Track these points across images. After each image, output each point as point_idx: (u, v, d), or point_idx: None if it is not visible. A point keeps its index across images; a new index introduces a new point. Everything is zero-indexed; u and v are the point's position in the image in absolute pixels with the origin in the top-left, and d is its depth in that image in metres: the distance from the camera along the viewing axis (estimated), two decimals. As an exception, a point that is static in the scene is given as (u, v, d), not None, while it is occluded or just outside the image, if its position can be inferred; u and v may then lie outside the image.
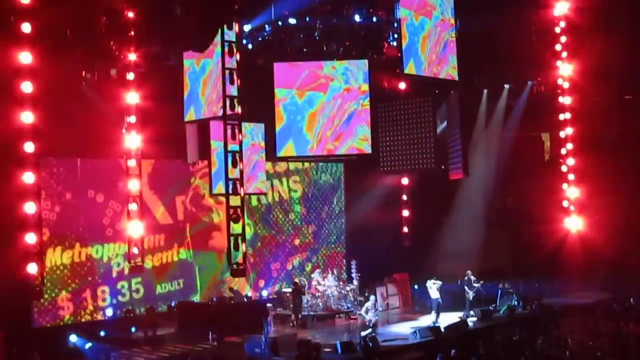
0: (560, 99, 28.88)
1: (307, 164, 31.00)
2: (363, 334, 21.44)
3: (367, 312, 22.56)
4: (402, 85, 27.06)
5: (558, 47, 28.33)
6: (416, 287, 28.58)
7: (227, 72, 19.64)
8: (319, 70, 24.96)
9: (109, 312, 24.82)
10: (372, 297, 23.32)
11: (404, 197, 31.25)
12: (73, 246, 24.54)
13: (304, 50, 25.50)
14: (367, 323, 22.31)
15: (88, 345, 21.25)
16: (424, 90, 26.71)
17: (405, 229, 31.29)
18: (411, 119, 27.07)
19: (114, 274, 25.39)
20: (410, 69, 21.93)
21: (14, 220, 19.05)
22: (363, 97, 24.97)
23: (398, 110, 27.61)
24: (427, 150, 26.67)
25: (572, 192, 29.28)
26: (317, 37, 25.47)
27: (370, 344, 20.54)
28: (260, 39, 25.02)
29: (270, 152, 25.58)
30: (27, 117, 18.97)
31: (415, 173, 28.58)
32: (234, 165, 19.77)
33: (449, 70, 23.04)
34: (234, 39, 19.74)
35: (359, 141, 25.17)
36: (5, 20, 18.82)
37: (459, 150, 25.80)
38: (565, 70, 28.44)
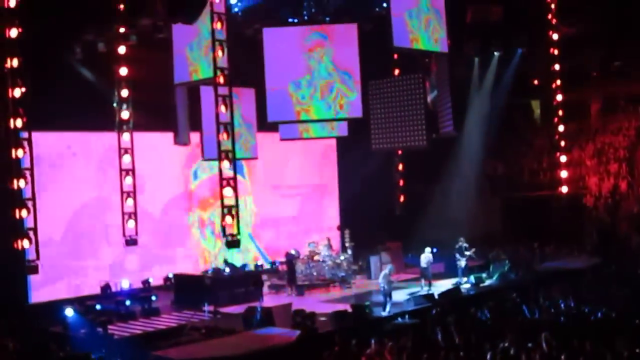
0: (550, 66, 28.89)
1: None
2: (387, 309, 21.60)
3: (384, 280, 22.11)
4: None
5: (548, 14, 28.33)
6: (410, 255, 28.69)
7: (216, 43, 19.67)
8: (308, 34, 24.71)
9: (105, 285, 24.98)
10: (389, 266, 23.17)
11: (399, 167, 31.42)
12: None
13: (292, 18, 25.38)
14: (381, 291, 22.20)
15: (84, 318, 21.34)
16: (413, 63, 26.73)
17: (401, 198, 31.48)
18: (402, 96, 27.13)
19: (109, 248, 25.50)
20: (399, 41, 21.86)
21: (7, 195, 19.06)
22: (352, 63, 24.74)
23: (388, 87, 27.68)
24: (418, 127, 26.75)
25: (562, 158, 29.38)
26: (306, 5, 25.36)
27: (365, 312, 20.75)
28: (248, 5, 24.88)
29: (261, 118, 25.47)
30: (15, 92, 18.92)
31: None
32: (226, 136, 19.84)
33: (438, 42, 22.95)
34: (223, 10, 19.75)
35: (349, 107, 25.00)
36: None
37: (449, 109, 25.82)
38: (555, 37, 28.43)
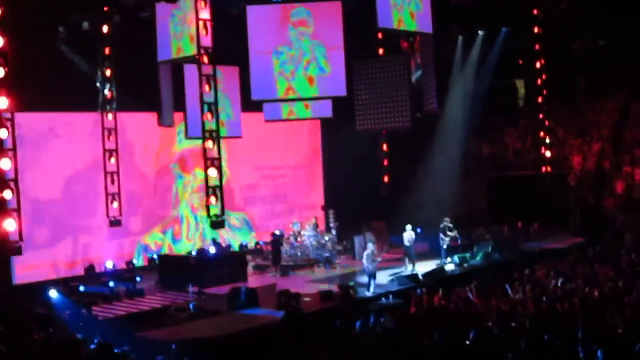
0: (535, 45, 28.89)
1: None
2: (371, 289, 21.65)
3: (367, 260, 22.14)
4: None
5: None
6: (393, 238, 28.72)
7: (200, 22, 19.59)
8: (292, 11, 24.46)
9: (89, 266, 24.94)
10: (370, 245, 23.19)
11: (384, 147, 31.43)
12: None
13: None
14: (365, 271, 22.29)
15: (68, 300, 21.29)
16: (397, 43, 26.67)
17: (386, 178, 31.51)
18: (386, 77, 27.14)
19: (93, 228, 25.47)
20: (383, 22, 21.77)
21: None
22: (336, 40, 24.57)
23: (373, 69, 27.67)
24: (403, 109, 26.76)
25: (545, 137, 29.44)
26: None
27: (349, 293, 20.80)
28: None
29: (245, 96, 25.36)
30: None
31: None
32: (210, 116, 19.80)
33: (423, 22, 22.87)
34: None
35: (334, 85, 24.84)
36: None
37: (434, 87, 25.83)
38: (539, 16, 28.43)
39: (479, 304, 16.98)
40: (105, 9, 22.46)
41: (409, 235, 24.75)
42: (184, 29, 21.21)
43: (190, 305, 20.09)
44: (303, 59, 24.35)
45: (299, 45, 24.38)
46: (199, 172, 25.37)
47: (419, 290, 19.57)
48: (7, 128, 19.02)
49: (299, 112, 26.97)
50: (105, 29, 23.10)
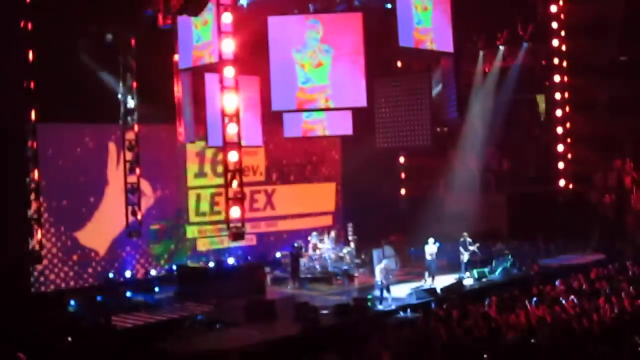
0: (555, 61, 28.80)
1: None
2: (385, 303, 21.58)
3: (381, 274, 22.19)
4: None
5: (553, 8, 28.27)
6: (413, 250, 28.68)
7: (222, 34, 19.73)
8: (312, 22, 24.51)
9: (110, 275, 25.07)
10: (384, 261, 23.24)
11: (403, 161, 31.44)
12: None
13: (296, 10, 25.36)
14: (377, 285, 22.33)
15: (86, 309, 21.41)
16: (418, 61, 26.72)
17: (403, 191, 31.46)
18: (407, 95, 27.14)
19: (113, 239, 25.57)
20: (404, 41, 21.76)
21: (14, 187, 19.11)
22: (356, 52, 24.43)
23: (394, 86, 27.65)
24: (423, 126, 26.75)
25: (567, 153, 29.31)
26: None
27: (367, 306, 20.78)
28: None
29: (266, 106, 25.39)
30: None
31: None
32: (232, 127, 19.89)
33: (444, 41, 22.86)
34: (229, 2, 19.80)
35: (354, 96, 24.72)
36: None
37: (453, 97, 25.79)
38: (560, 31, 28.35)
39: (498, 319, 16.90)
40: (128, 21, 22.56)
41: (430, 248, 24.69)
42: (206, 39, 21.35)
43: (207, 317, 20.12)
44: (319, 69, 24.35)
45: (317, 57, 24.39)
46: (219, 181, 25.46)
47: (433, 305, 19.53)
48: (32, 139, 19.22)
49: (319, 129, 27.02)
50: (127, 39, 23.20)
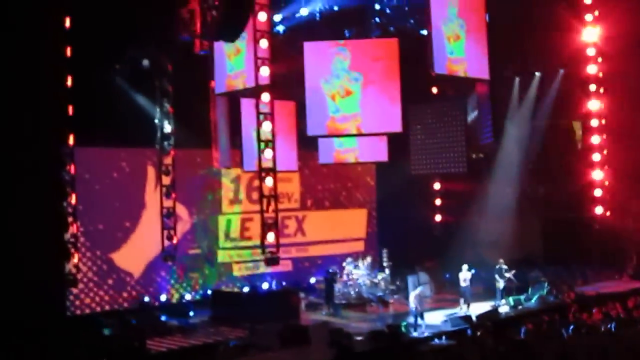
0: (592, 87, 28.62)
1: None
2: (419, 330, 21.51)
3: (416, 300, 22.19)
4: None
5: (589, 34, 28.12)
6: (447, 275, 28.56)
7: (258, 60, 19.86)
8: (339, 50, 24.37)
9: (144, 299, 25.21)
10: (420, 287, 23.23)
11: (436, 186, 31.34)
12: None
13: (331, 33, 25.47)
14: (411, 312, 22.28)
15: (121, 332, 21.49)
16: (453, 87, 26.70)
17: (438, 218, 31.35)
18: (442, 121, 27.12)
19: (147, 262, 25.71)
20: (439, 68, 21.71)
21: (52, 211, 19.26)
22: (389, 77, 24.27)
23: (429, 112, 27.64)
24: (458, 153, 26.71)
25: (603, 180, 29.06)
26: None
27: (401, 332, 20.69)
28: (290, 25, 25.15)
29: (301, 131, 25.36)
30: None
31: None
32: (267, 153, 19.99)
33: (479, 68, 22.79)
34: (266, 29, 19.97)
35: (388, 122, 24.49)
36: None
37: (489, 124, 25.71)
38: (597, 58, 28.20)
39: (533, 347, 16.74)
40: (164, 46, 22.80)
41: (464, 275, 24.56)
42: (242, 65, 21.48)
43: (241, 342, 20.14)
44: (353, 94, 24.32)
45: (352, 83, 24.34)
46: (254, 207, 25.56)
47: (469, 331, 19.39)
48: (70, 163, 19.44)
49: (350, 157, 27.06)
50: (164, 65, 23.46)
